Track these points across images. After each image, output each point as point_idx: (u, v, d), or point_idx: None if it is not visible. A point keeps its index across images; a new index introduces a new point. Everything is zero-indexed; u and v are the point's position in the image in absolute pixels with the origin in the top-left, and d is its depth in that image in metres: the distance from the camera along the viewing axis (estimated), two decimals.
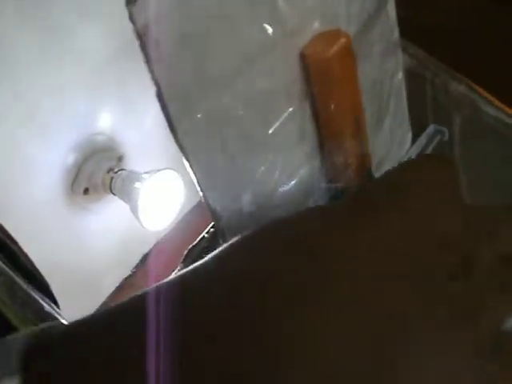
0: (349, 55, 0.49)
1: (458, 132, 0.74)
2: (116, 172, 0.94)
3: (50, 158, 0.96)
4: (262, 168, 0.48)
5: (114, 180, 0.98)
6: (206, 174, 0.44)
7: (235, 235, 0.26)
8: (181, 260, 0.63)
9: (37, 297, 0.53)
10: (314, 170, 0.53)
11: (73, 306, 1.02)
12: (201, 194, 0.45)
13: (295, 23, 0.47)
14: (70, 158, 0.97)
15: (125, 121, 1.00)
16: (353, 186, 0.56)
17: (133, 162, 1.01)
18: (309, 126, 0.50)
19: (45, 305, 0.52)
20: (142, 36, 0.36)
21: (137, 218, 0.91)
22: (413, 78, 0.72)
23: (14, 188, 0.91)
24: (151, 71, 0.37)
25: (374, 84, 0.58)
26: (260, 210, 0.49)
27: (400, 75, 0.65)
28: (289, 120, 0.47)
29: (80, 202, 1.01)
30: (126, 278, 1.05)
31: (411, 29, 0.75)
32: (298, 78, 0.48)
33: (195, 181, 0.45)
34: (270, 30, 0.44)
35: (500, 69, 0.74)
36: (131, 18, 0.35)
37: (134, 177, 0.90)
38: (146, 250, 1.07)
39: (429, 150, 0.73)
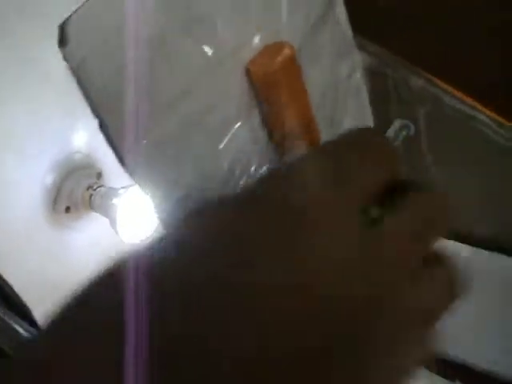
0: (293, 65, 0.52)
1: (423, 125, 0.76)
2: (95, 189, 0.96)
3: (29, 180, 0.98)
4: (219, 177, 0.50)
5: (93, 197, 1.00)
6: (162, 196, 0.46)
7: None
8: None
9: (12, 322, 0.55)
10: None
11: None
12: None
13: (236, 41, 0.49)
14: (49, 178, 1.00)
15: (102, 137, 1.01)
16: None
17: (112, 178, 1.03)
18: (260, 133, 0.52)
19: (19, 329, 0.54)
20: (77, 73, 0.38)
21: (116, 232, 0.94)
22: (374, 76, 0.74)
23: None
24: (90, 105, 0.39)
25: (327, 87, 0.59)
26: None
27: (358, 75, 0.67)
28: (239, 131, 0.49)
29: (62, 221, 1.03)
30: None
31: (369, 23, 0.77)
32: (246, 92, 0.50)
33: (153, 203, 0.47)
34: (210, 51, 0.46)
35: (459, 59, 0.76)
36: (65, 58, 0.38)
37: (112, 193, 0.92)
38: None
39: (397, 143, 0.75)
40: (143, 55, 0.42)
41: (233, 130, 0.50)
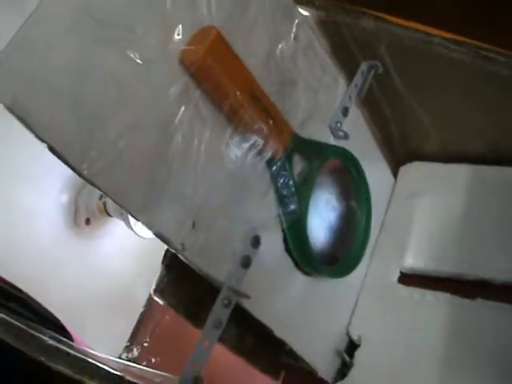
0: (222, 44, 0.58)
1: (389, 61, 0.81)
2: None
3: (45, 203, 1.07)
4: (177, 165, 0.56)
5: (106, 204, 1.09)
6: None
7: None
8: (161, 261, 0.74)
9: (39, 334, 0.64)
10: (230, 146, 0.61)
11: (113, 326, 1.15)
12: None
13: (159, 38, 0.55)
14: (64, 197, 1.09)
15: None
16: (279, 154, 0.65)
17: None
18: (206, 111, 0.59)
19: (47, 339, 0.64)
20: (12, 110, 0.46)
21: (132, 230, 1.03)
22: (328, 27, 0.80)
23: (20, 242, 1.03)
24: (33, 134, 0.47)
25: (271, 53, 0.66)
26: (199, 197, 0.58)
27: (307, 32, 0.72)
28: (184, 118, 0.55)
29: (86, 233, 1.13)
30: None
31: None
32: (184, 79, 0.57)
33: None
34: (135, 53, 0.53)
35: None
36: None
37: None
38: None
39: (366, 85, 0.80)
40: (71, 77, 0.49)
41: (179, 115, 0.56)
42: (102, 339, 1.13)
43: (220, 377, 1.00)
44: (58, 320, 0.80)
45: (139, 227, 1.03)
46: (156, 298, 0.71)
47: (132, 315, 1.18)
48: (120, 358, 1.12)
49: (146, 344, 1.15)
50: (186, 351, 0.97)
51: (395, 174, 0.98)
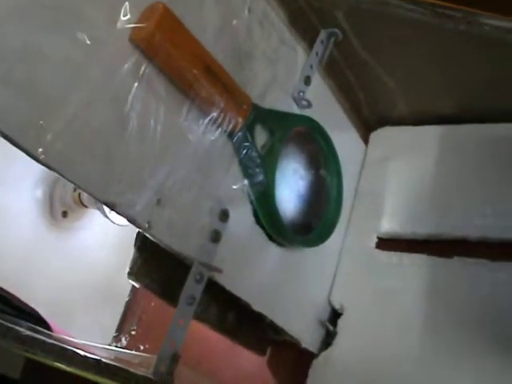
0: (171, 19, 0.58)
1: (347, 27, 0.82)
2: None
3: (21, 200, 1.08)
4: (135, 143, 0.57)
5: (81, 195, 1.10)
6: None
7: None
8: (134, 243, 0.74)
9: (16, 326, 0.65)
10: (189, 121, 0.61)
11: (100, 317, 1.15)
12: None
13: (107, 18, 0.55)
14: (39, 193, 1.10)
15: None
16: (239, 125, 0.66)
17: None
18: (160, 86, 0.59)
19: (23, 330, 0.64)
20: None
21: (107, 218, 1.04)
22: None
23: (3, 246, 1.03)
24: None
25: (224, 26, 0.66)
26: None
27: (261, 3, 0.72)
28: (138, 95, 0.56)
29: (64, 226, 1.13)
30: None
31: None
32: (135, 58, 0.57)
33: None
34: (84, 35, 0.53)
35: None
36: None
37: None
38: None
39: (327, 53, 0.81)
40: (19, 65, 0.49)
41: (132, 93, 0.57)
42: (90, 331, 1.14)
43: (207, 357, 1.01)
44: (36, 312, 0.81)
45: (114, 214, 1.03)
46: (131, 281, 0.72)
47: (118, 305, 1.19)
48: None
49: (133, 332, 1.15)
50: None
51: (367, 140, 0.98)
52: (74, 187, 1.10)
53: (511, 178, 0.82)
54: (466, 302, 0.79)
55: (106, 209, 1.02)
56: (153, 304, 1.15)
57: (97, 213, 1.13)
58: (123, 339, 1.15)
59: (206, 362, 1.03)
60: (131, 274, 0.70)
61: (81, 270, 1.16)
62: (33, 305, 0.90)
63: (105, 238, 1.17)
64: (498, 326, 0.76)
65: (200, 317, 0.79)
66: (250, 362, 0.97)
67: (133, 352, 0.69)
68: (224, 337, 0.85)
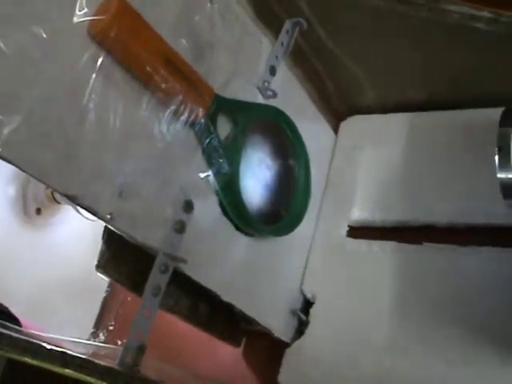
0: (128, 12, 0.59)
1: (312, 16, 0.82)
2: None
3: None
4: (94, 135, 0.57)
5: (54, 192, 1.11)
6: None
7: None
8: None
9: None
10: (149, 112, 0.62)
11: (78, 313, 1.16)
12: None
13: (63, 12, 0.56)
14: (11, 190, 1.10)
15: None
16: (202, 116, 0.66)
17: None
18: (119, 79, 0.60)
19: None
20: None
21: (79, 213, 1.04)
22: None
23: None
24: None
25: (184, 18, 0.67)
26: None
27: None
28: (96, 88, 0.56)
29: (39, 223, 1.14)
30: None
31: None
32: (93, 50, 0.58)
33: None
34: (40, 29, 0.54)
35: None
36: None
37: None
38: None
39: (292, 43, 0.82)
40: None
41: (90, 85, 0.57)
42: (68, 327, 1.14)
43: (185, 350, 1.02)
44: (6, 308, 0.82)
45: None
46: (100, 274, 0.73)
47: (95, 300, 1.20)
48: None
49: (111, 327, 1.16)
50: (155, 335, 0.99)
51: (337, 129, 0.99)
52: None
53: (478, 163, 0.83)
54: (436, 288, 0.80)
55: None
56: (129, 299, 1.16)
57: (70, 209, 1.13)
58: (101, 335, 1.16)
59: (185, 354, 1.04)
60: (99, 267, 0.71)
61: (57, 266, 1.16)
62: (10, 303, 0.91)
63: (80, 234, 1.18)
64: (468, 311, 0.77)
65: (172, 309, 0.80)
66: (226, 353, 0.98)
67: (102, 344, 0.69)
68: (197, 328, 0.86)
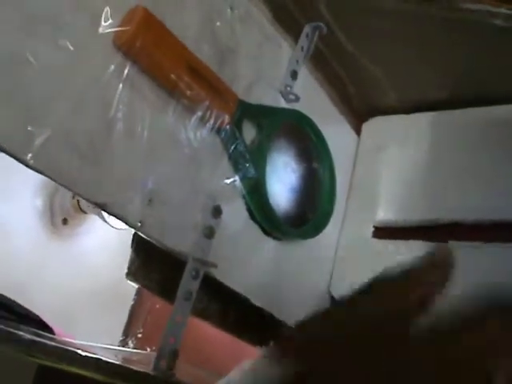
0: (152, 22, 0.60)
1: (331, 20, 0.83)
2: None
3: (22, 211, 1.10)
4: (123, 145, 0.59)
5: (80, 202, 1.12)
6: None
7: None
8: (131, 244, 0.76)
9: (16, 331, 0.67)
10: (175, 120, 0.63)
11: (106, 322, 1.17)
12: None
13: (88, 23, 0.57)
14: (39, 202, 1.12)
15: None
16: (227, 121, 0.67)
17: None
18: (145, 88, 0.61)
19: (22, 334, 0.66)
20: None
21: (106, 222, 1.06)
22: None
23: (1, 253, 1.06)
24: None
25: (206, 25, 0.68)
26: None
27: (243, 2, 0.74)
28: (123, 98, 0.57)
29: (65, 233, 1.16)
30: None
31: None
32: (119, 61, 0.59)
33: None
34: (66, 42, 0.55)
35: None
36: None
37: None
38: None
39: (312, 47, 0.82)
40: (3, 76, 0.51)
41: (117, 96, 0.59)
42: (96, 336, 1.15)
43: (215, 354, 1.02)
44: (39, 318, 0.83)
45: (113, 219, 1.05)
46: (130, 282, 0.74)
47: (123, 309, 1.21)
48: None
49: (139, 335, 1.17)
50: (186, 340, 1.00)
51: (359, 131, 1.00)
52: (73, 195, 1.12)
53: (503, 159, 0.83)
54: (462, 286, 0.80)
55: (105, 214, 1.04)
56: (158, 306, 1.17)
57: (96, 218, 1.15)
58: (130, 342, 1.17)
59: (215, 359, 1.05)
60: (129, 275, 0.72)
61: (84, 275, 1.18)
62: (38, 313, 0.93)
63: (106, 243, 1.20)
64: None
65: (202, 314, 0.81)
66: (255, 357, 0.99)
67: (133, 350, 0.70)
68: (227, 333, 0.87)
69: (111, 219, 1.08)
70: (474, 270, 0.79)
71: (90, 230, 1.21)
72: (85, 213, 1.16)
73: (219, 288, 0.71)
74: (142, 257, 0.72)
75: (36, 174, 0.52)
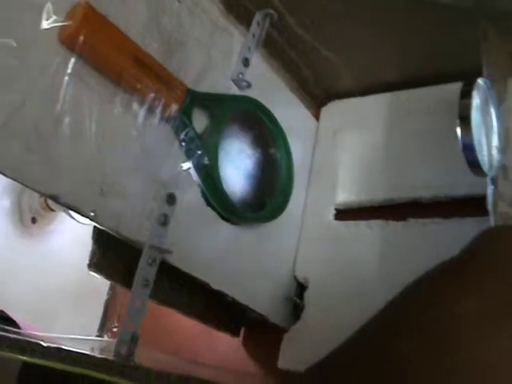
0: (96, 16, 0.62)
1: (281, 7, 0.85)
2: None
3: None
4: (72, 137, 0.61)
5: (47, 199, 1.14)
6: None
7: None
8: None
9: None
10: (124, 110, 0.65)
11: (81, 318, 1.19)
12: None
13: (31, 20, 0.59)
14: (6, 202, 1.14)
15: None
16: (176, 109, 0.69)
17: None
18: (93, 81, 0.63)
19: None
20: None
21: (73, 218, 1.08)
22: None
23: None
24: None
25: (152, 17, 0.70)
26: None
27: None
28: (69, 91, 0.59)
29: (35, 232, 1.18)
30: None
31: None
32: (65, 56, 0.61)
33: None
34: (10, 40, 0.57)
35: None
36: None
37: None
38: None
39: (263, 34, 0.84)
40: None
41: (63, 89, 0.60)
42: (72, 333, 1.17)
43: (187, 343, 1.05)
44: (3, 312, 0.85)
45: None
46: (92, 273, 0.76)
47: (98, 304, 1.23)
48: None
49: (115, 329, 1.19)
50: (152, 326, 1.02)
51: (319, 116, 1.02)
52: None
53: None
54: (423, 262, 0.83)
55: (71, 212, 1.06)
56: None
57: (66, 216, 1.17)
58: (105, 337, 1.19)
59: (186, 348, 1.07)
60: (91, 266, 0.74)
61: (56, 273, 1.20)
62: (11, 311, 0.94)
63: (76, 240, 1.21)
64: None
65: (168, 302, 0.83)
66: (226, 343, 1.01)
67: (97, 338, 0.72)
68: (195, 321, 0.89)
69: (79, 216, 1.09)
70: (436, 245, 0.82)
71: (60, 228, 1.23)
72: (53, 211, 1.17)
73: (185, 276, 0.73)
74: (103, 248, 0.74)
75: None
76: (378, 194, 0.90)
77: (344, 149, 0.96)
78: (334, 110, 1.01)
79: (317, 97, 1.02)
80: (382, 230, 0.87)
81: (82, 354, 0.62)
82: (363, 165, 0.93)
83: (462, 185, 0.84)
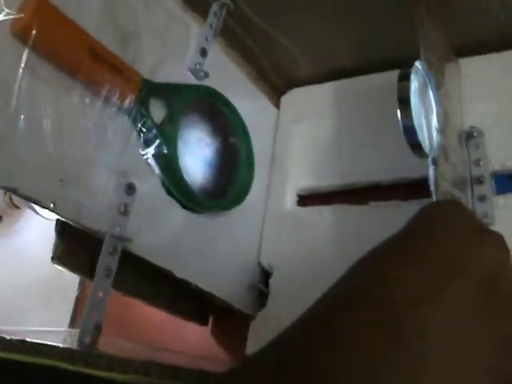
0: (49, 8, 0.63)
1: None
2: None
3: None
4: (28, 129, 0.61)
5: (12, 197, 1.14)
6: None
7: None
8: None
9: None
10: (80, 102, 0.66)
11: (52, 315, 1.19)
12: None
13: None
14: None
15: None
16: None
17: None
18: (48, 75, 0.64)
19: None
20: None
21: (39, 214, 1.08)
22: None
23: None
24: None
25: (107, 10, 0.70)
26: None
27: None
28: (25, 82, 0.60)
29: (2, 230, 1.18)
30: None
31: None
32: (18, 49, 0.61)
33: None
34: None
35: None
36: None
37: None
38: None
39: (220, 24, 0.86)
40: None
41: (17, 83, 0.61)
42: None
43: (156, 334, 1.05)
44: None
45: (46, 211, 1.07)
46: (56, 266, 0.76)
47: (68, 300, 1.23)
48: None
49: None
50: (122, 317, 1.03)
51: (279, 104, 1.04)
52: (4, 191, 1.14)
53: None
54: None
55: (37, 207, 1.06)
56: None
57: (32, 213, 1.17)
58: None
59: (156, 339, 1.08)
60: (54, 259, 0.75)
61: (25, 270, 1.20)
62: None
63: (43, 236, 1.21)
64: None
65: (134, 293, 0.83)
66: (196, 333, 1.02)
67: (61, 329, 0.73)
68: (161, 311, 0.90)
69: (43, 211, 1.10)
70: (396, 228, 0.83)
71: (26, 225, 1.23)
72: (19, 208, 1.18)
73: (151, 267, 0.74)
74: (66, 240, 0.74)
75: None
76: (338, 179, 0.91)
77: (304, 136, 0.97)
78: (293, 98, 1.02)
79: (276, 86, 1.03)
80: (344, 215, 0.89)
81: (46, 345, 0.63)
82: (323, 151, 0.94)
83: (418, 167, 0.86)
